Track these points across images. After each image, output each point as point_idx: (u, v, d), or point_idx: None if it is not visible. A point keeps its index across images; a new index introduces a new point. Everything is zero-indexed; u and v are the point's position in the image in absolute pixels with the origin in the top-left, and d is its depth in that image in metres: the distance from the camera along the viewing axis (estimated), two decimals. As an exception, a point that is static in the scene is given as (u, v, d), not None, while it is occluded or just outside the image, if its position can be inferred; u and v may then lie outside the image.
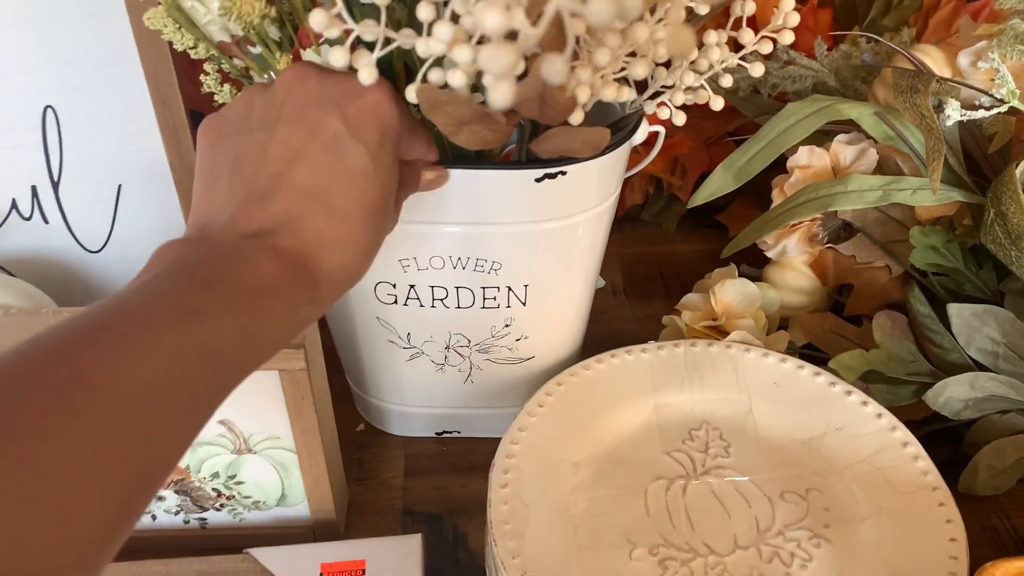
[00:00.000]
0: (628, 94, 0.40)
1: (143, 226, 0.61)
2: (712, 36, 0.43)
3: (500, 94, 0.29)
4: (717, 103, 0.44)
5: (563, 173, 0.45)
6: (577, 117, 0.38)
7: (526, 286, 0.51)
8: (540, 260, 0.50)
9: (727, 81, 0.44)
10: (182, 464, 0.49)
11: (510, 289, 0.51)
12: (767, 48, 0.43)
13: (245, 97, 0.37)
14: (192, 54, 0.46)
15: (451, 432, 0.61)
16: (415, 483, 0.56)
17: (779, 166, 0.61)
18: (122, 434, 0.26)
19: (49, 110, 0.56)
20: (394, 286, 0.51)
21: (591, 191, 0.48)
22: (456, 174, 0.45)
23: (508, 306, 0.52)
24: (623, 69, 0.38)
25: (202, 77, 0.47)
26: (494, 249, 0.49)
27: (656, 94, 0.45)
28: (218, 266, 0.31)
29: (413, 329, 0.53)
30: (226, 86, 0.47)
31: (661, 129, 0.53)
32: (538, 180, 0.45)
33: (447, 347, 0.54)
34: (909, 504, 0.47)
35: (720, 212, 0.77)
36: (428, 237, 0.48)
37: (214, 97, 0.48)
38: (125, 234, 0.61)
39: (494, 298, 0.52)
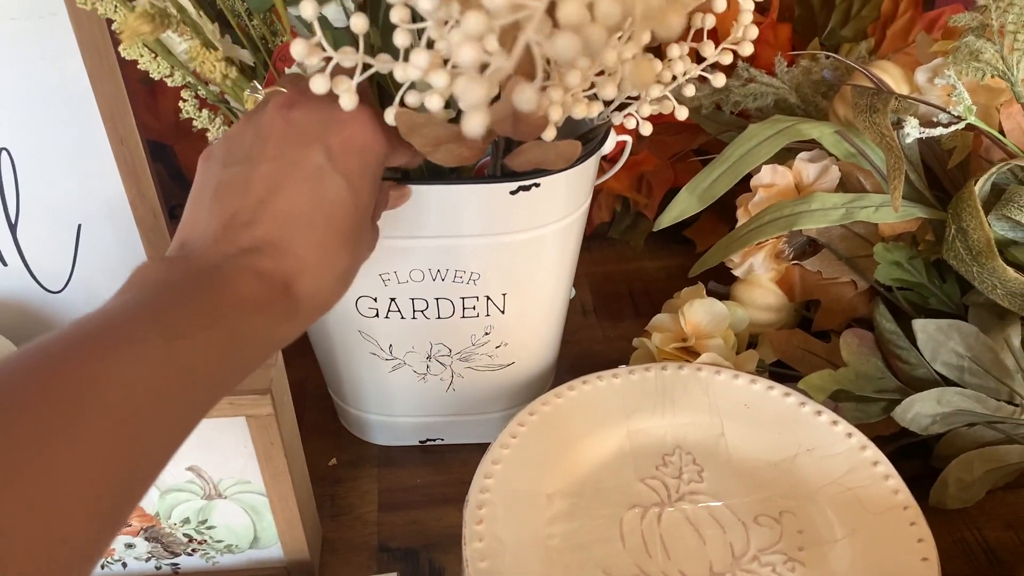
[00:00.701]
0: (597, 108, 0.40)
1: (105, 265, 0.60)
2: (675, 49, 0.43)
3: (474, 124, 0.30)
4: (682, 113, 0.45)
5: (536, 185, 0.46)
6: (549, 133, 0.39)
7: (504, 295, 0.52)
8: (517, 269, 0.51)
9: (690, 91, 0.45)
10: (152, 511, 0.49)
11: (489, 299, 0.52)
12: (728, 59, 0.44)
13: (236, 128, 0.38)
14: (168, 82, 0.46)
15: (434, 440, 0.62)
16: (389, 517, 0.56)
17: (744, 182, 0.61)
18: (109, 442, 0.26)
19: (4, 152, 0.55)
20: (375, 300, 0.51)
21: (564, 201, 0.49)
22: (433, 190, 0.46)
23: (487, 315, 0.53)
24: (592, 87, 0.38)
25: (180, 104, 0.47)
26: (473, 260, 0.50)
27: (623, 105, 0.46)
28: (198, 283, 0.32)
29: (395, 341, 0.54)
30: (204, 111, 0.48)
31: (628, 138, 0.53)
32: (512, 192, 0.46)
33: (429, 357, 0.55)
34: (881, 524, 0.47)
35: (687, 227, 0.77)
36: (408, 251, 0.49)
37: (192, 123, 0.48)
38: (87, 273, 0.60)
39: (473, 307, 0.52)
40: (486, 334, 0.54)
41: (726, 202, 0.64)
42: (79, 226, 0.58)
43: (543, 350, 0.59)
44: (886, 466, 0.49)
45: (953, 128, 0.54)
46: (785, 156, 0.61)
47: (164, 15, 0.40)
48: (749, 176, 0.61)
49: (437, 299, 0.51)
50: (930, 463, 0.56)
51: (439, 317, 0.53)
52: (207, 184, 0.37)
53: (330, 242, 0.36)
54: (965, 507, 0.55)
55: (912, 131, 0.54)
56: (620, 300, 0.74)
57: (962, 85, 0.54)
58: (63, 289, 0.60)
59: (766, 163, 0.60)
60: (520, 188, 0.46)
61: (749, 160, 0.58)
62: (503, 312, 0.53)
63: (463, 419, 0.60)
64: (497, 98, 0.33)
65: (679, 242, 0.77)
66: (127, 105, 0.54)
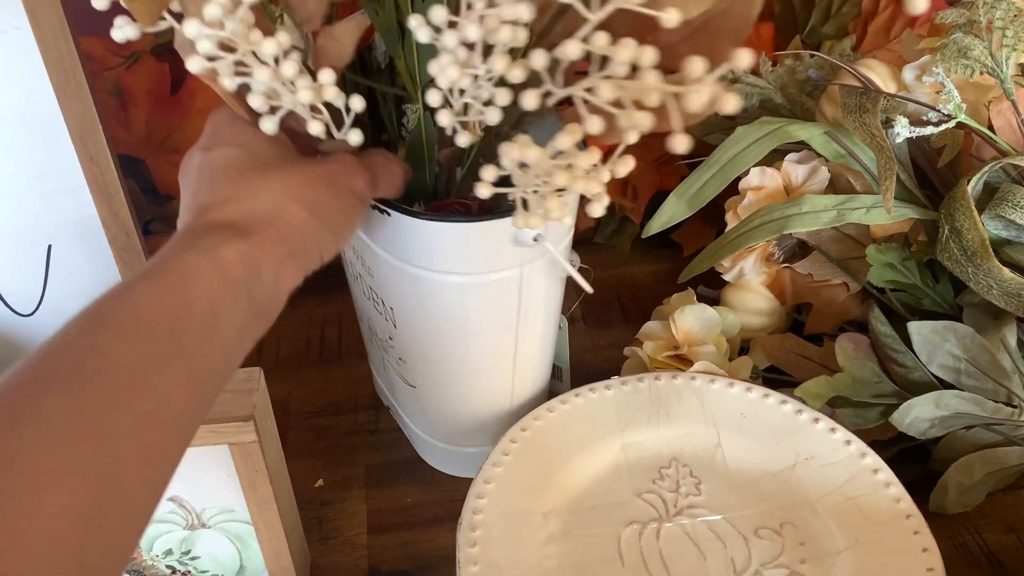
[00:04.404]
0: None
1: (77, 286, 0.58)
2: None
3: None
4: (596, 211, 0.39)
5: (387, 213, 0.43)
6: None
7: (392, 308, 0.50)
8: (411, 304, 0.48)
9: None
10: (132, 543, 0.47)
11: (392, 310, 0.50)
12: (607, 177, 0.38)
13: None
14: None
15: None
16: (380, 540, 0.54)
17: (731, 184, 0.60)
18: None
19: (-32, 173, 0.53)
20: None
21: (468, 257, 0.45)
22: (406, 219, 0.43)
23: (393, 327, 0.51)
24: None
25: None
26: (385, 290, 0.49)
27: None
28: None
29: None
30: None
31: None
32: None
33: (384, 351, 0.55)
34: (884, 534, 0.46)
35: (674, 231, 0.76)
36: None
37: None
38: (58, 295, 0.58)
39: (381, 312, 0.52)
40: (390, 338, 0.53)
41: (713, 204, 0.63)
42: (49, 247, 0.56)
43: (494, 393, 0.54)
44: (887, 473, 0.49)
45: (943, 127, 0.54)
46: (773, 158, 0.60)
47: None
48: (737, 179, 0.60)
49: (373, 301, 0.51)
50: (929, 467, 0.56)
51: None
52: None
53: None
54: (965, 511, 0.54)
55: (902, 131, 0.53)
56: (608, 307, 0.72)
57: (951, 82, 0.54)
58: (34, 312, 0.58)
59: (754, 165, 0.58)
60: (376, 207, 0.44)
61: (738, 163, 0.57)
62: (395, 327, 0.51)
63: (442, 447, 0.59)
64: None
65: (666, 246, 0.76)
66: (96, 121, 0.52)
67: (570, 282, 0.60)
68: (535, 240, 0.44)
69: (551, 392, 0.60)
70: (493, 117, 0.36)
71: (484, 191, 0.36)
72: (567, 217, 0.37)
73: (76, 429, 0.26)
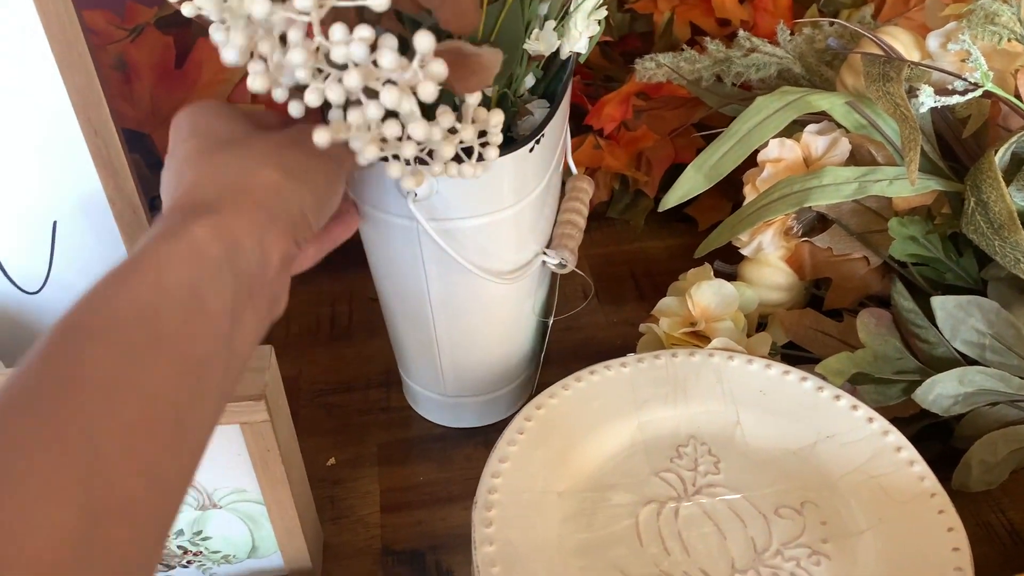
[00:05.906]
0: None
1: (84, 263, 0.57)
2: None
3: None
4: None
5: None
6: None
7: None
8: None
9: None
10: (142, 523, 0.46)
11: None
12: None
13: None
14: None
15: None
16: (392, 519, 0.54)
17: (748, 157, 0.58)
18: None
19: (-30, 147, 0.51)
20: None
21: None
22: None
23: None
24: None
25: None
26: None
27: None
28: None
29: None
30: None
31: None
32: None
33: None
34: (908, 513, 0.45)
35: (689, 205, 0.74)
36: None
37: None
38: (65, 272, 0.57)
39: None
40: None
41: (729, 176, 0.61)
42: (54, 223, 0.55)
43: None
44: (910, 452, 0.48)
45: (969, 96, 0.52)
46: (792, 129, 0.58)
47: None
48: (755, 151, 0.58)
49: None
50: (952, 444, 0.55)
51: None
52: None
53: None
54: (989, 489, 0.53)
55: (927, 100, 0.52)
56: (622, 283, 0.71)
57: (978, 50, 0.52)
58: (40, 290, 0.57)
59: (773, 137, 0.57)
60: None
61: (758, 135, 0.55)
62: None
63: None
64: None
65: (681, 220, 0.75)
66: (100, 94, 0.51)
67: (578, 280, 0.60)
68: (406, 195, 0.45)
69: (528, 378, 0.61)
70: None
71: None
72: (424, 185, 0.41)
73: (57, 446, 0.25)
